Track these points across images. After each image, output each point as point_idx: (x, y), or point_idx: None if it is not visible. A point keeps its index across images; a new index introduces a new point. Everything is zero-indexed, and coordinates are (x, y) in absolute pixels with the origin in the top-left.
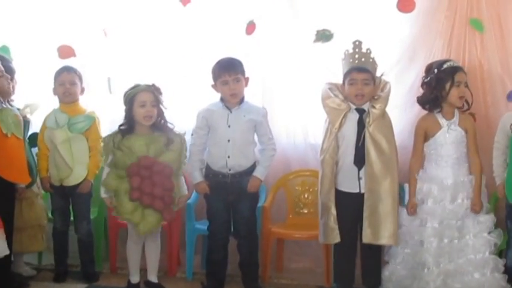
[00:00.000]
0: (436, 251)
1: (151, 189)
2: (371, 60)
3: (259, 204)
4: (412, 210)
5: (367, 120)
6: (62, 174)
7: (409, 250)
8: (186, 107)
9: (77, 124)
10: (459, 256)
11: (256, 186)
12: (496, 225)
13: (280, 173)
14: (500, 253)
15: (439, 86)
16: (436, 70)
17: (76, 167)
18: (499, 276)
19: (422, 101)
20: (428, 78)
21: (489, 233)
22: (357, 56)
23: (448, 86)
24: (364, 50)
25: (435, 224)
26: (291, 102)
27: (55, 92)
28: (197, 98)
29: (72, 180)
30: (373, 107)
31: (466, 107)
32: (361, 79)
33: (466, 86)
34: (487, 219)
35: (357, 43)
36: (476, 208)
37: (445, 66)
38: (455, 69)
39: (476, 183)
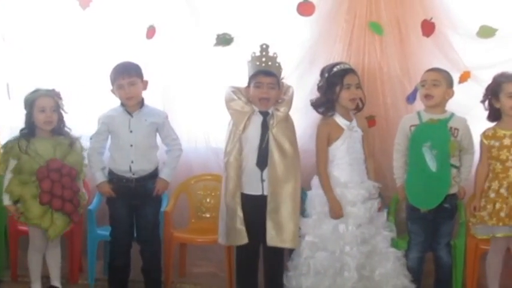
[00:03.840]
0: (358, 253)
1: (61, 192)
2: (277, 64)
3: (161, 209)
4: (335, 213)
5: (271, 122)
6: None
7: (323, 256)
8: (86, 112)
9: None
10: (372, 256)
11: (164, 188)
12: (394, 221)
13: (182, 178)
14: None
15: (330, 89)
16: (327, 74)
17: None
18: (400, 267)
19: (315, 105)
20: (321, 82)
21: (386, 227)
22: (263, 59)
23: (338, 88)
24: (271, 54)
25: (352, 226)
26: (192, 106)
27: None
28: (98, 103)
29: None
30: (277, 110)
31: (360, 108)
32: (267, 83)
33: (359, 87)
34: (382, 216)
35: (264, 46)
36: (383, 207)
37: (334, 69)
38: (345, 72)
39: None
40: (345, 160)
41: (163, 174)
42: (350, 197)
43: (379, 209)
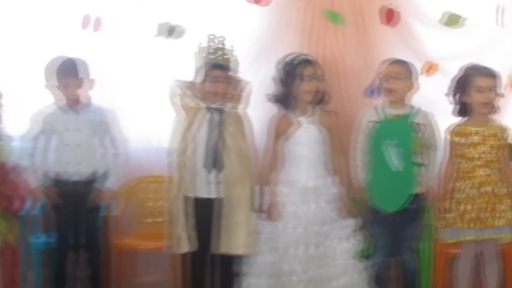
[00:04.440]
0: (300, 258)
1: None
2: (233, 57)
3: (107, 213)
4: (273, 214)
5: (222, 120)
6: None
7: (271, 258)
8: (21, 110)
9: None
10: (326, 262)
11: (106, 197)
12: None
13: (126, 181)
14: (367, 258)
15: (287, 82)
16: (284, 65)
17: None
18: (362, 280)
19: (272, 99)
20: (278, 74)
21: (351, 238)
22: (218, 52)
23: (296, 81)
24: (224, 45)
25: (299, 229)
26: (136, 103)
27: None
28: (34, 100)
29: None
30: (233, 107)
31: (324, 102)
32: (220, 76)
33: (315, 78)
34: (350, 224)
35: (220, 38)
36: (342, 212)
37: (290, 60)
38: (301, 63)
39: (340, 186)
40: (297, 158)
41: (107, 181)
42: (300, 197)
43: (341, 213)
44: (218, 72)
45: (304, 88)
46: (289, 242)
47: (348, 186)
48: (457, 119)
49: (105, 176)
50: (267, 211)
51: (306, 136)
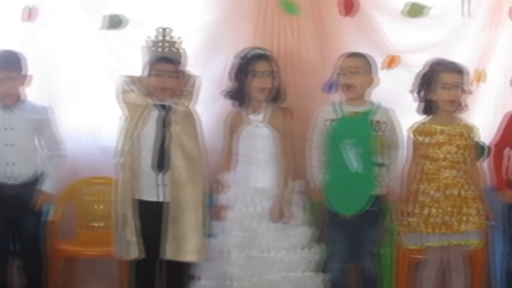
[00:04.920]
0: (243, 262)
1: None
2: (180, 50)
3: (46, 218)
4: (219, 215)
5: (171, 118)
6: None
7: (215, 262)
8: None
9: None
10: (271, 271)
11: (45, 202)
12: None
13: (68, 182)
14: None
15: (240, 78)
16: (238, 60)
17: None
18: None
19: (227, 95)
20: (231, 69)
21: (305, 248)
22: (165, 44)
23: (249, 77)
24: (171, 38)
25: (241, 232)
26: (78, 99)
27: None
28: None
29: None
30: (180, 103)
31: (279, 99)
32: (168, 71)
33: (272, 76)
34: (302, 233)
35: (161, 30)
36: (273, 217)
37: (245, 55)
38: (254, 58)
39: (281, 189)
40: (245, 157)
41: (45, 186)
42: (244, 198)
43: (282, 217)
44: (164, 66)
45: (257, 85)
46: (232, 245)
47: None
48: (421, 117)
49: (44, 178)
50: (214, 211)
51: (255, 135)
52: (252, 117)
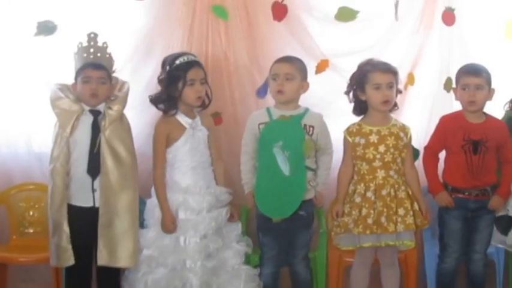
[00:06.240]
0: (200, 269)
1: None
2: (107, 55)
3: None
4: (168, 226)
5: (103, 123)
6: None
7: (162, 272)
8: None
9: None
10: (223, 269)
11: None
12: (245, 233)
13: (1, 188)
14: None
15: (172, 85)
16: (168, 66)
17: None
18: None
19: (155, 101)
20: (162, 75)
21: (240, 241)
22: (92, 50)
23: (181, 84)
24: (100, 44)
25: (195, 238)
26: (10, 105)
27: None
28: None
29: None
30: (110, 108)
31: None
32: (97, 77)
33: (204, 82)
34: (235, 228)
35: (92, 35)
36: (232, 219)
37: (177, 61)
38: (189, 65)
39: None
40: (188, 163)
41: None
42: (193, 204)
43: (230, 219)
44: (93, 72)
45: (193, 94)
46: (188, 254)
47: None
48: (354, 118)
49: None
50: (163, 223)
51: (195, 139)
52: (190, 122)
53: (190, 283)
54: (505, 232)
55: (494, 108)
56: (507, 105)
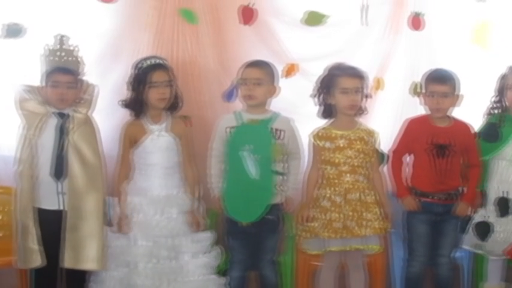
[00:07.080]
0: (150, 272)
1: None
2: (76, 58)
3: None
4: (123, 227)
5: (70, 126)
6: None
7: (117, 273)
8: None
9: None
10: (177, 278)
11: None
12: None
13: None
14: (223, 273)
15: (138, 88)
16: (135, 70)
17: None
18: None
19: (125, 104)
20: (129, 79)
21: (207, 252)
22: (60, 53)
23: (146, 87)
24: (68, 47)
25: (147, 242)
26: None
27: None
28: None
29: None
30: (76, 111)
31: (176, 108)
32: (65, 82)
33: (170, 85)
34: (204, 238)
35: (60, 38)
36: (192, 228)
37: (142, 64)
38: (152, 68)
39: (192, 198)
40: (146, 167)
41: None
42: (147, 207)
43: (192, 228)
44: (61, 77)
45: (155, 96)
46: (139, 256)
47: (202, 196)
48: (323, 122)
49: None
50: (117, 223)
51: (158, 144)
52: (154, 127)
53: (143, 283)
54: (483, 238)
55: (463, 113)
56: (488, 111)
